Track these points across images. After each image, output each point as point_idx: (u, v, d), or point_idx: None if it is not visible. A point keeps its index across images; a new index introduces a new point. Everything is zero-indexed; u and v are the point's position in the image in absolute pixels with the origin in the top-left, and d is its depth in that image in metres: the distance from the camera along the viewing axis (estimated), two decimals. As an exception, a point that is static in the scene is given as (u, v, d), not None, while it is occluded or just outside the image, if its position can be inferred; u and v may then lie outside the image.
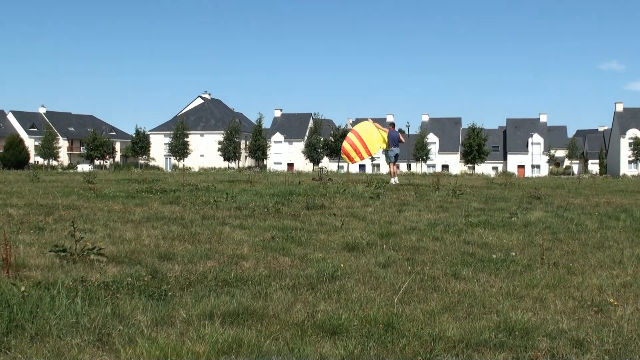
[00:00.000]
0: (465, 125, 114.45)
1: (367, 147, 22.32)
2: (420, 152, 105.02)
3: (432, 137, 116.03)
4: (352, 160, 23.01)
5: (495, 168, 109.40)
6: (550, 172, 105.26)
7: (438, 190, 18.57)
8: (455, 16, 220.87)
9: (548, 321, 5.31)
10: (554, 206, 14.56)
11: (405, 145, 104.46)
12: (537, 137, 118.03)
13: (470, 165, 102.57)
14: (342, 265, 7.27)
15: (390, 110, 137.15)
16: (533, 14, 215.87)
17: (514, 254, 8.30)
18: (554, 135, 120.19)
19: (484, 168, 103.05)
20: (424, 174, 45.21)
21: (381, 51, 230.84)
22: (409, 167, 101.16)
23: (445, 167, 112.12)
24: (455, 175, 45.86)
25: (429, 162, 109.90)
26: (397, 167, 24.03)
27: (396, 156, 23.63)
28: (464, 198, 16.23)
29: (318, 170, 34.32)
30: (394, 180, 22.49)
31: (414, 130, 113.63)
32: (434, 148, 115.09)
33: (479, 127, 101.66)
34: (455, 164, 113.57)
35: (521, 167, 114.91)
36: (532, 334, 4.97)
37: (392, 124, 24.81)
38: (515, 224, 11.18)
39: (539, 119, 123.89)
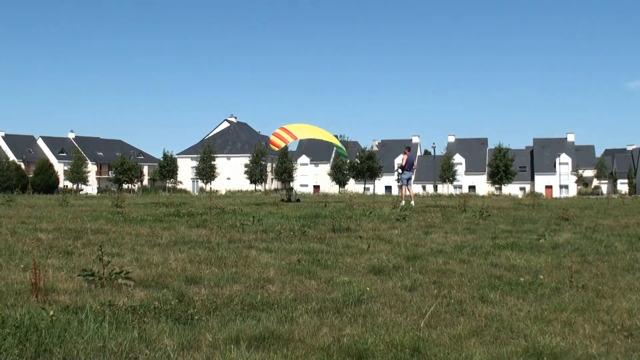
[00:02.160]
0: (491, 145, 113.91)
1: (291, 133, 23.90)
2: (447, 173, 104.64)
3: (458, 158, 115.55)
4: (277, 146, 24.21)
5: (522, 189, 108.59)
6: (579, 193, 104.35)
7: (465, 211, 18.47)
8: (480, 36, 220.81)
9: (577, 346, 5.24)
10: (582, 227, 14.41)
11: (432, 167, 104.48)
12: (564, 157, 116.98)
13: (497, 186, 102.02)
14: (368, 288, 7.24)
15: (416, 132, 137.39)
16: (560, 32, 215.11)
17: (542, 276, 8.21)
18: (582, 155, 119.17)
19: (511, 189, 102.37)
20: (451, 195, 44.99)
21: (406, 72, 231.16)
22: (435, 188, 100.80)
23: (471, 188, 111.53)
24: (482, 196, 45.59)
25: (455, 183, 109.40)
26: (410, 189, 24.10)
27: (409, 179, 23.74)
28: (491, 220, 16.11)
29: (287, 191, 35.09)
30: (404, 202, 22.44)
31: (440, 151, 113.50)
32: (460, 169, 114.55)
33: (506, 148, 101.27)
34: (482, 185, 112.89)
35: (549, 187, 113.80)
36: (560, 359, 4.91)
37: (408, 148, 24.86)
38: (543, 246, 11.07)
39: (566, 138, 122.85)
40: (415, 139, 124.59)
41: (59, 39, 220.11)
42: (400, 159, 23.96)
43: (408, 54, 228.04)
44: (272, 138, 24.30)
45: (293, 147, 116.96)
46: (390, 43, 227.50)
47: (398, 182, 24.67)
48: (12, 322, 5.36)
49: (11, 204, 23.37)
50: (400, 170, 24.07)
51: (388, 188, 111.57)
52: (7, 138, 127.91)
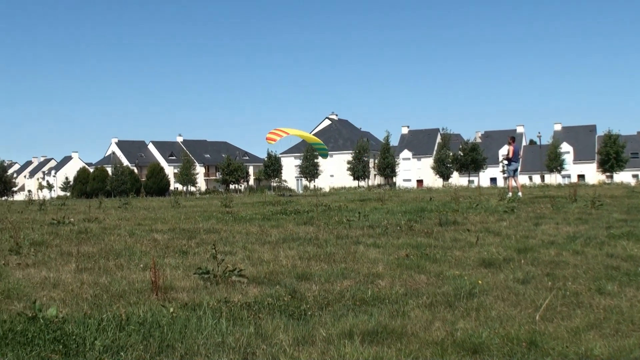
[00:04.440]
0: (600, 132, 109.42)
1: (284, 131, 28.85)
2: (554, 163, 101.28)
3: (565, 147, 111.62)
4: (273, 140, 28.65)
5: (635, 176, 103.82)
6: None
7: (575, 201, 17.92)
8: (584, 21, 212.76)
9: None
10: None
11: (538, 156, 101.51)
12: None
13: (607, 174, 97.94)
14: (479, 282, 7.17)
15: (520, 121, 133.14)
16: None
17: (662, 266, 7.88)
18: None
19: (623, 176, 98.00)
20: (559, 185, 43.59)
21: (509, 60, 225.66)
22: (542, 178, 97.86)
23: (581, 177, 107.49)
24: (593, 185, 43.96)
25: (563, 172, 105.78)
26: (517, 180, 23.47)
27: (515, 170, 23.14)
28: (603, 209, 15.56)
29: (278, 187, 37.72)
30: (511, 194, 21.89)
31: (546, 140, 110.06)
32: (568, 158, 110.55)
33: (616, 134, 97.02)
34: (592, 174, 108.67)
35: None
36: (687, 351, 4.71)
37: (513, 138, 24.13)
38: (663, 234, 10.60)
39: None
40: (519, 129, 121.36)
41: (165, 49, 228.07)
42: (505, 150, 23.38)
43: (510, 42, 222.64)
44: (269, 135, 28.77)
45: (395, 142, 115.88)
46: (491, 32, 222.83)
47: (504, 173, 24.07)
48: (136, 319, 5.63)
49: (127, 206, 24.46)
50: (506, 162, 23.55)
51: (493, 180, 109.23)
52: (120, 144, 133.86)
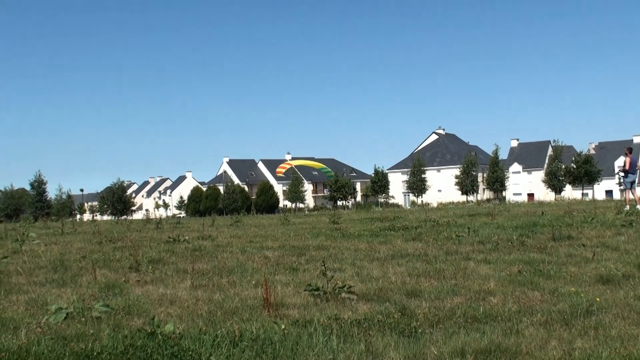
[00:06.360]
0: None
1: (289, 164, 36.67)
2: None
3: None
4: (280, 172, 35.25)
5: None
6: None
7: (701, 214, 16.95)
8: None
9: None
10: None
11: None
12: None
13: None
14: (597, 299, 6.90)
15: (637, 131, 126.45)
16: None
17: None
18: None
19: None
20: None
21: (622, 67, 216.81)
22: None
23: None
24: None
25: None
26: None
27: (632, 182, 22.14)
28: None
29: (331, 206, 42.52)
30: (629, 207, 20.91)
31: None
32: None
33: None
34: None
35: None
36: None
37: (630, 149, 23.11)
38: None
39: None
40: (636, 139, 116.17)
41: (273, 70, 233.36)
42: (621, 162, 22.48)
43: (622, 49, 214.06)
44: (278, 169, 34.44)
45: (504, 155, 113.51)
46: (604, 39, 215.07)
47: (620, 186, 23.11)
48: (249, 336, 5.75)
49: (239, 224, 25.09)
50: (622, 174, 22.65)
51: (609, 193, 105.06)
52: (231, 163, 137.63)
